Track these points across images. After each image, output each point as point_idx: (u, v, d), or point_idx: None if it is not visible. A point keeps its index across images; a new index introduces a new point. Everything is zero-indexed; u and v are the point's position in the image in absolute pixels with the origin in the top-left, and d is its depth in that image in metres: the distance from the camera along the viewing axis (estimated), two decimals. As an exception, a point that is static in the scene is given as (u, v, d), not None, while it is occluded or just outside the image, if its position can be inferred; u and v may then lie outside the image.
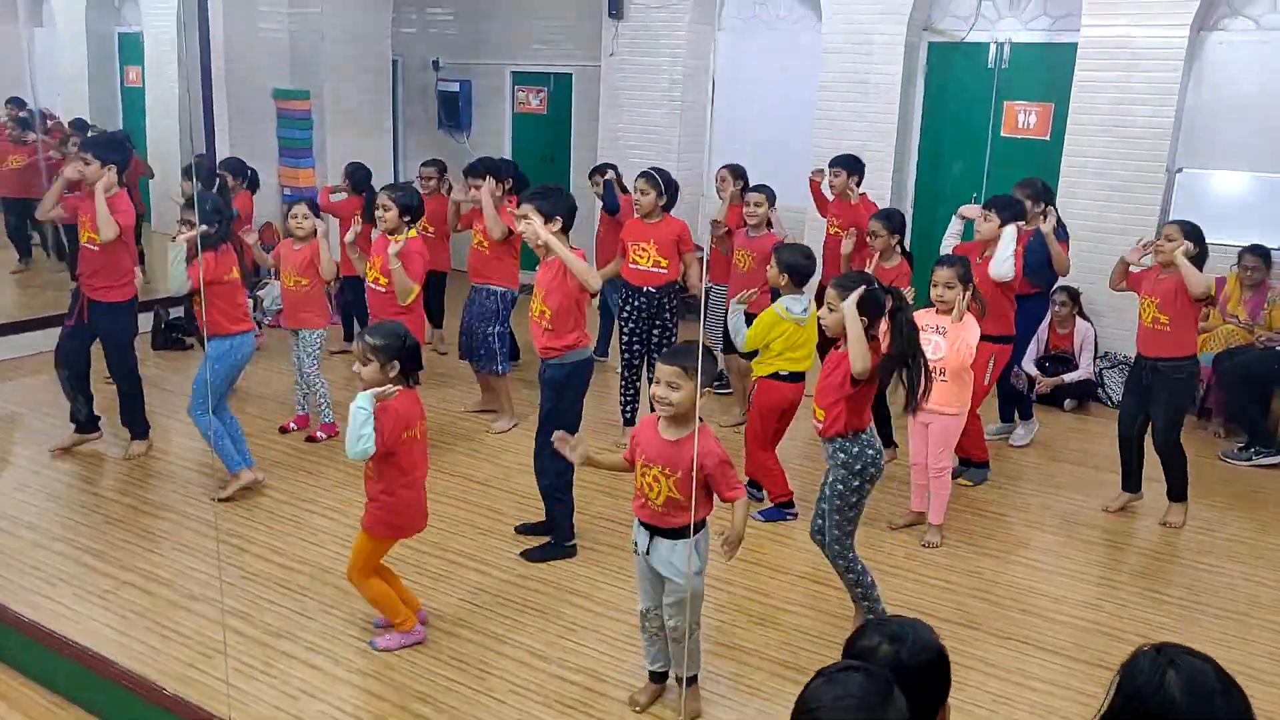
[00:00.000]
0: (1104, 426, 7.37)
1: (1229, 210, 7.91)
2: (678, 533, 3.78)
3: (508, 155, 11.43)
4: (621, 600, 4.85)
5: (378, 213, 6.23)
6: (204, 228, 5.64)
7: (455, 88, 11.86)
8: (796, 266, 5.71)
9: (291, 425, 6.94)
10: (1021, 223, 6.16)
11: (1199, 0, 7.59)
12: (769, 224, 6.99)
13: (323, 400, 6.76)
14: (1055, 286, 7.22)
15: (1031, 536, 5.79)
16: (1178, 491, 5.91)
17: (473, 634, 4.56)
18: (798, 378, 5.72)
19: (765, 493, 5.92)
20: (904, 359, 4.33)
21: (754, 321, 5.74)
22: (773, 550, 5.47)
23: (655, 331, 6.76)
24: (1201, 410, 7.50)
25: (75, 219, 6.23)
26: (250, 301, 6.99)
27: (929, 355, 5.36)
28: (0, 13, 9.63)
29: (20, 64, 9.66)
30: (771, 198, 7.02)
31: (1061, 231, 6.72)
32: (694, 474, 3.58)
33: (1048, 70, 8.54)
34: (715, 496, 3.80)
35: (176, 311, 8.69)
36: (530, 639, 4.53)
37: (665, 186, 6.68)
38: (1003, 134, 8.85)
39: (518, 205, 5.14)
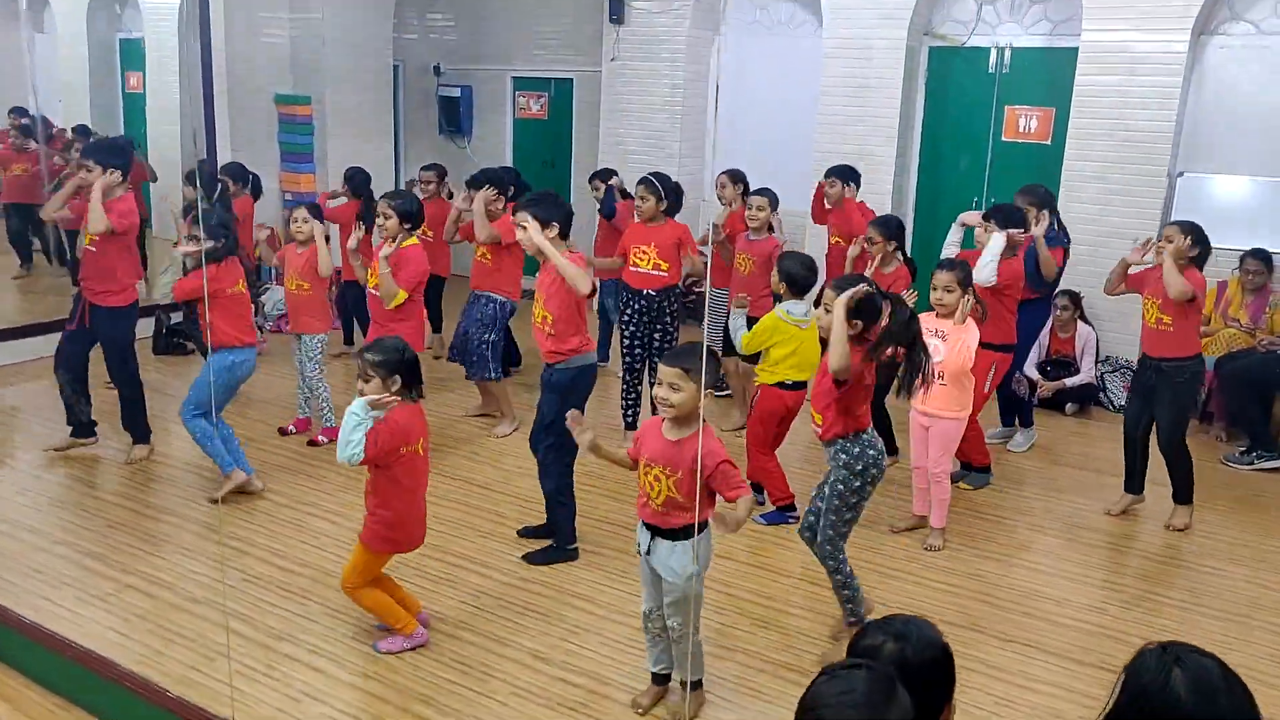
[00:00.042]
0: (1105, 430, 7.38)
1: (1230, 214, 7.91)
2: (677, 534, 3.78)
3: (508, 160, 11.46)
4: (623, 603, 4.85)
5: (378, 221, 6.24)
6: (210, 242, 5.65)
7: (456, 93, 11.89)
8: (796, 277, 5.70)
9: (291, 428, 6.95)
10: (1015, 230, 6.14)
11: (1200, 5, 7.60)
12: (770, 228, 7.00)
13: (325, 404, 6.77)
14: (1057, 291, 7.21)
15: (1033, 539, 5.79)
16: (1183, 494, 5.90)
17: (475, 636, 4.55)
18: (801, 385, 5.72)
19: (766, 496, 5.92)
20: (897, 340, 4.27)
21: (755, 324, 5.74)
22: (774, 553, 5.48)
23: (656, 335, 6.77)
24: (1203, 414, 7.50)
25: (79, 223, 6.24)
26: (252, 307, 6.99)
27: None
28: (2, 18, 9.63)
29: (21, 69, 9.65)
30: (774, 201, 7.04)
31: (1063, 236, 6.72)
32: (697, 474, 3.58)
33: (1049, 75, 8.56)
34: (717, 499, 3.80)
35: (178, 316, 8.69)
36: (532, 641, 4.53)
37: (666, 192, 6.69)
38: (1004, 138, 8.86)
39: (514, 213, 5.14)
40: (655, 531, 3.82)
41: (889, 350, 4.28)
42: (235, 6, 10.02)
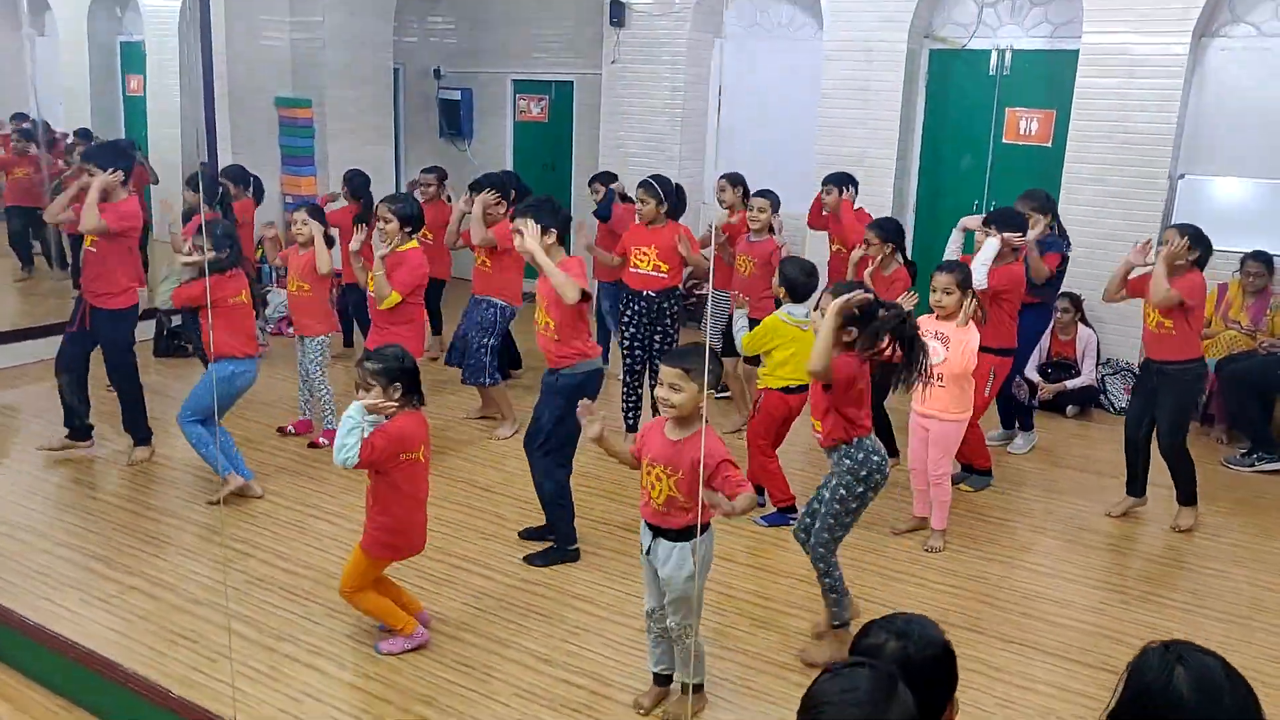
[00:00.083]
0: (1106, 433, 7.39)
1: (1231, 216, 7.91)
2: (678, 534, 3.79)
3: (509, 164, 11.46)
4: (625, 604, 4.86)
5: (379, 225, 6.25)
6: (213, 252, 5.66)
7: (456, 96, 11.89)
8: (796, 282, 5.69)
9: (290, 429, 6.96)
10: (1010, 234, 6.14)
11: (1200, 7, 7.61)
12: (771, 229, 7.00)
13: (327, 406, 6.77)
14: (1058, 293, 7.21)
15: (1035, 541, 5.80)
16: (1187, 495, 5.91)
17: (476, 638, 4.56)
18: (804, 388, 5.72)
19: (767, 497, 5.92)
20: (889, 332, 4.24)
21: (756, 326, 5.75)
22: (774, 554, 5.48)
23: (656, 336, 6.77)
24: (1204, 416, 7.51)
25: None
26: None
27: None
28: (2, 21, 9.64)
29: (23, 73, 9.66)
30: (775, 203, 7.04)
31: (1062, 242, 6.71)
32: (700, 473, 3.58)
33: (1049, 77, 8.56)
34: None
35: (179, 319, 8.70)
36: (534, 643, 4.53)
37: (666, 194, 6.70)
38: (1004, 141, 8.87)
39: (512, 219, 5.14)
40: (656, 531, 3.84)
41: (886, 351, 4.27)
42: (236, 9, 10.04)
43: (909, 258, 6.69)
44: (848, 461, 4.35)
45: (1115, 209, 8.02)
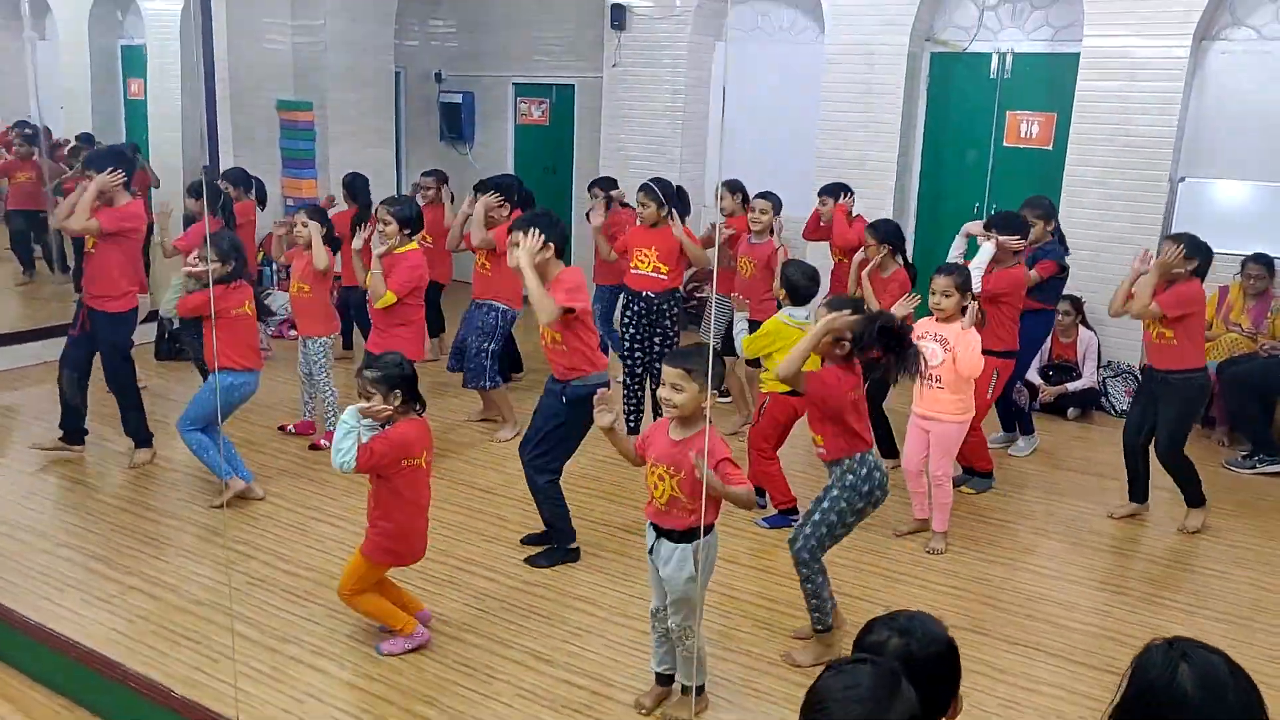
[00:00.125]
0: (1107, 435, 7.38)
1: (1232, 219, 7.93)
2: (680, 536, 3.79)
3: (510, 167, 11.48)
4: (626, 605, 4.86)
5: (378, 227, 6.27)
6: (217, 264, 5.67)
7: (457, 99, 11.91)
8: (798, 285, 5.70)
9: (291, 428, 6.96)
10: (1008, 238, 6.14)
11: (1201, 10, 7.62)
12: (772, 230, 7.01)
13: (330, 408, 6.77)
14: (1060, 295, 7.21)
15: (1037, 543, 5.79)
16: (1193, 498, 5.92)
17: (478, 638, 4.56)
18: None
19: (768, 499, 5.92)
20: (878, 338, 4.22)
21: (757, 329, 5.74)
22: (776, 556, 5.46)
23: (656, 338, 6.78)
24: (1206, 418, 7.50)
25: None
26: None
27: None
28: (3, 24, 9.65)
29: (24, 76, 9.67)
30: (777, 205, 7.05)
31: (1060, 248, 6.69)
32: (702, 474, 3.58)
33: (1050, 80, 8.58)
34: (721, 504, 3.80)
35: (177, 324, 8.70)
36: (535, 643, 4.53)
37: (667, 197, 6.70)
38: (1005, 144, 8.88)
39: (509, 232, 5.13)
40: (659, 531, 3.84)
41: (879, 356, 4.26)
42: (237, 13, 10.04)
43: (909, 260, 6.68)
44: (850, 477, 4.33)
45: (1117, 212, 8.03)
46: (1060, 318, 7.62)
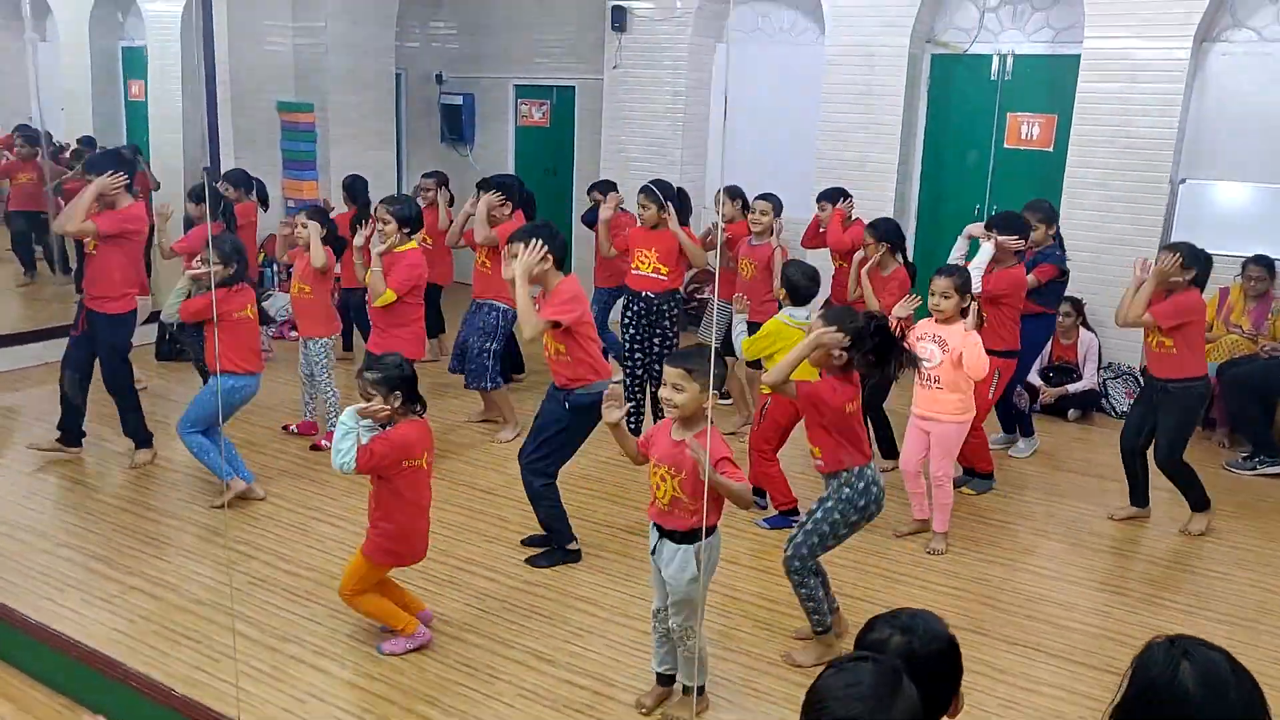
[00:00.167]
0: (1108, 436, 7.38)
1: (1232, 221, 7.94)
2: (683, 536, 3.80)
3: (510, 169, 11.47)
4: (627, 605, 4.86)
5: (377, 226, 6.28)
6: (219, 266, 5.67)
7: (458, 101, 11.91)
8: (799, 285, 5.71)
9: (294, 428, 6.97)
10: (1007, 238, 6.15)
11: (1201, 12, 7.62)
12: (773, 231, 7.01)
13: (332, 409, 6.77)
14: (1061, 298, 7.20)
15: (1037, 544, 5.79)
16: (1197, 502, 5.92)
17: (479, 638, 4.56)
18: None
19: (769, 500, 5.92)
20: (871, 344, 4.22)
21: (758, 330, 5.74)
22: (777, 557, 5.39)
23: (656, 339, 6.79)
24: (1206, 420, 7.49)
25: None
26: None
27: (924, 362, 5.40)
28: (4, 25, 9.66)
29: (25, 78, 9.68)
30: (778, 207, 7.05)
31: (1061, 255, 6.68)
32: (705, 476, 3.58)
33: (1050, 82, 8.58)
34: (724, 504, 3.81)
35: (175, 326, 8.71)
36: (537, 643, 4.53)
37: (667, 198, 6.71)
38: (1006, 145, 8.88)
39: (508, 243, 5.12)
40: (662, 532, 3.85)
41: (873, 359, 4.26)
42: (238, 15, 10.05)
43: (909, 258, 6.70)
44: (847, 490, 4.32)
45: (1117, 214, 8.03)
46: (1061, 319, 7.62)
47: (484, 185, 7.12)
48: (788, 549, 4.39)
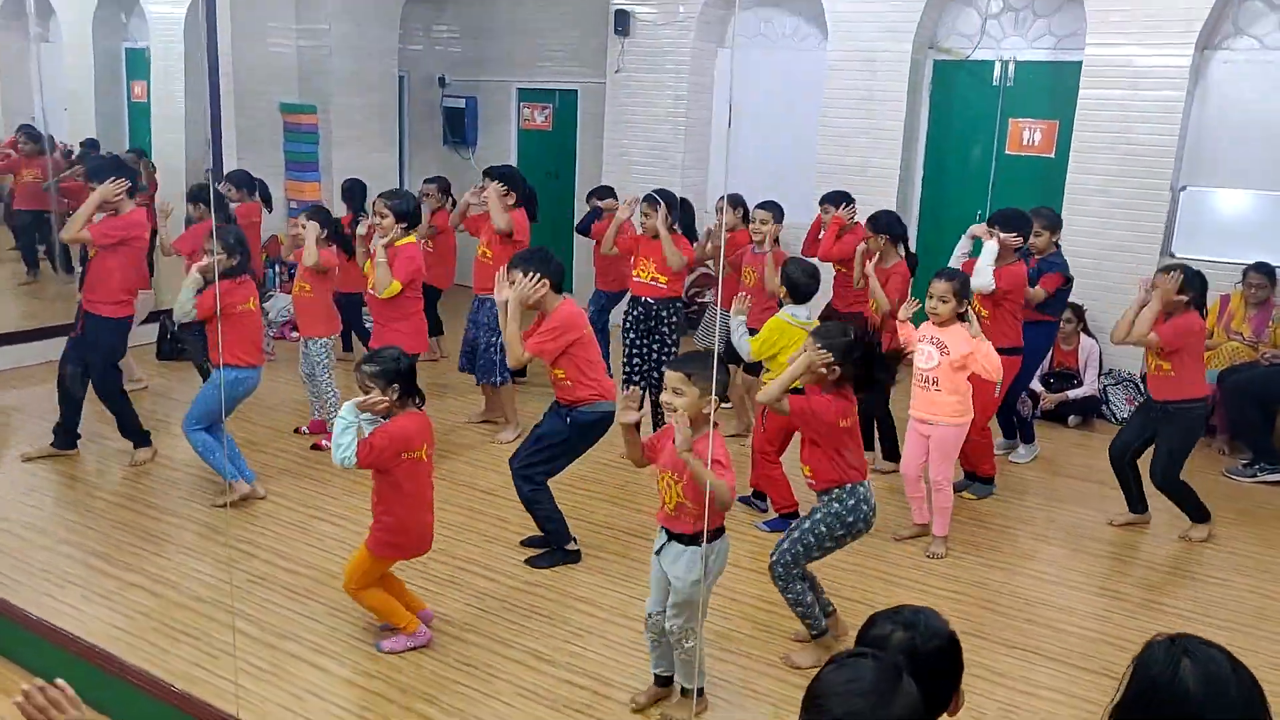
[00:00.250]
0: (1108, 442, 7.32)
1: (1233, 228, 7.95)
2: (691, 538, 3.80)
3: (513, 172, 11.47)
4: (627, 606, 4.86)
5: (374, 219, 6.31)
6: (223, 256, 5.68)
7: (461, 104, 11.93)
8: (799, 283, 5.73)
9: (305, 429, 6.99)
10: (1009, 235, 6.16)
11: (1203, 20, 7.63)
12: (777, 240, 7.01)
13: (332, 409, 6.77)
14: (1064, 305, 7.20)
15: (1037, 548, 5.80)
16: (1196, 514, 5.92)
17: (478, 638, 4.56)
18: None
19: (769, 503, 5.92)
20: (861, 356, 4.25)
21: (760, 330, 5.75)
22: (778, 559, 5.47)
23: (655, 345, 6.80)
24: (1206, 428, 7.49)
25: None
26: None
27: (922, 364, 5.43)
28: (8, 26, 9.68)
29: (28, 78, 9.69)
30: (778, 215, 7.04)
31: (1061, 263, 6.68)
32: (698, 473, 3.59)
33: (1052, 88, 8.59)
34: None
35: (176, 324, 8.70)
36: (536, 643, 4.53)
37: (669, 206, 6.72)
38: (1007, 151, 8.88)
39: (506, 269, 5.13)
40: (670, 535, 3.87)
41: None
42: (242, 15, 10.06)
43: (910, 250, 6.73)
44: (837, 506, 4.33)
45: (1118, 220, 8.03)
46: (1062, 325, 7.62)
47: (491, 173, 7.14)
48: (774, 554, 4.41)
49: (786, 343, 5.56)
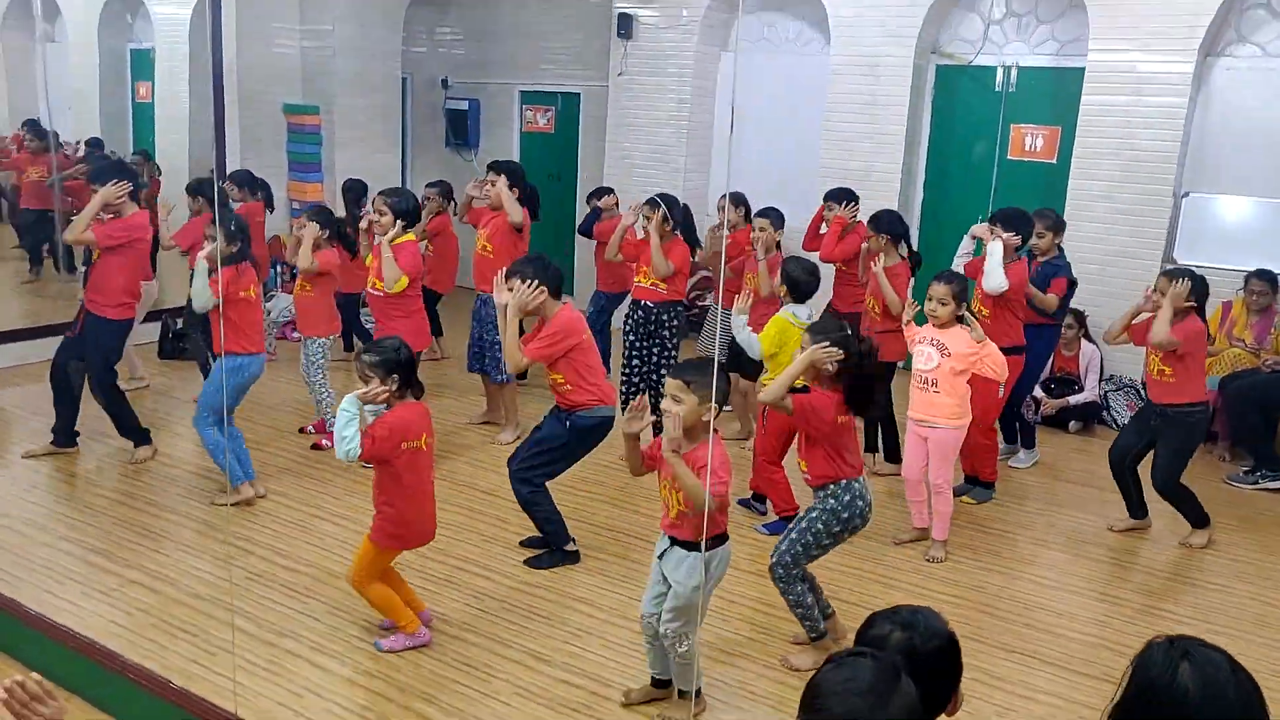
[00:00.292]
0: (1108, 448, 7.37)
1: (1235, 235, 7.96)
2: (693, 545, 3.80)
3: (515, 174, 11.48)
4: (625, 607, 4.86)
5: (373, 217, 6.34)
6: (223, 242, 5.69)
7: (464, 106, 11.94)
8: (799, 281, 5.75)
9: (310, 428, 7.00)
10: (1011, 234, 6.18)
11: (1206, 27, 7.63)
12: (778, 245, 7.00)
13: (327, 409, 6.77)
14: (1066, 310, 7.20)
15: (1036, 553, 5.79)
16: (1196, 520, 5.92)
17: (477, 637, 4.56)
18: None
19: (769, 505, 5.92)
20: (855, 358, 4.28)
21: (763, 330, 5.75)
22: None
23: (655, 348, 6.80)
24: (1208, 434, 7.49)
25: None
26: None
27: (921, 366, 5.43)
28: (15, 26, 9.70)
29: (34, 77, 9.71)
30: (778, 222, 7.02)
31: (1065, 266, 6.68)
32: (704, 482, 3.59)
33: (1055, 94, 8.60)
34: (727, 514, 3.84)
35: (180, 322, 8.71)
36: (534, 643, 4.53)
37: (668, 209, 6.73)
38: (1009, 157, 8.88)
39: (505, 275, 5.13)
40: (673, 540, 3.87)
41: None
42: (247, 17, 10.08)
43: (913, 249, 6.74)
44: (832, 502, 4.34)
45: (1120, 226, 8.03)
46: (1063, 331, 7.62)
47: (495, 167, 7.15)
48: (773, 555, 4.41)
49: (787, 340, 5.57)
